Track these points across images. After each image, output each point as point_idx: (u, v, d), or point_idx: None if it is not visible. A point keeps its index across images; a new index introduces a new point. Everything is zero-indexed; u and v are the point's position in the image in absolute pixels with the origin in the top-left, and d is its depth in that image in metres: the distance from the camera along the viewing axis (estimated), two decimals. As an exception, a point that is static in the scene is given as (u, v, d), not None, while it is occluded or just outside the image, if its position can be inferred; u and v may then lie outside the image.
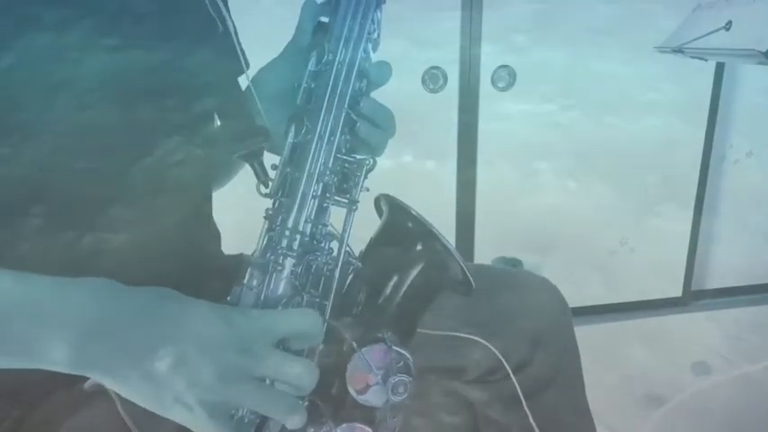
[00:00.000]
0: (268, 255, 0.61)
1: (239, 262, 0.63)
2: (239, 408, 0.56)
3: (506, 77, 1.88)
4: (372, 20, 0.66)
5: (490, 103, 1.88)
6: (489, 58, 1.85)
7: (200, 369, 0.52)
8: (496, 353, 0.79)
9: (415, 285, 0.63)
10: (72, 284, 0.53)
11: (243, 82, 0.76)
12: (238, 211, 0.88)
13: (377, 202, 0.69)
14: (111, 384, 0.53)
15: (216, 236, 0.87)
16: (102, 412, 0.54)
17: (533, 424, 0.82)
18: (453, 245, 1.93)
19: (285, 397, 0.56)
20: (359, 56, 0.64)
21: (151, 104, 0.67)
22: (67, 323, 0.51)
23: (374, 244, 0.66)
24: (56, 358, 0.51)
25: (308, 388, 0.56)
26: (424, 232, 0.64)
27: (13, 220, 0.62)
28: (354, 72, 0.64)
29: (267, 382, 0.55)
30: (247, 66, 0.81)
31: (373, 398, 0.57)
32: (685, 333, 2.06)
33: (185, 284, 0.65)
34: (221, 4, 0.74)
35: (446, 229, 1.90)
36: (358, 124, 0.65)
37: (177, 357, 0.51)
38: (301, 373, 0.55)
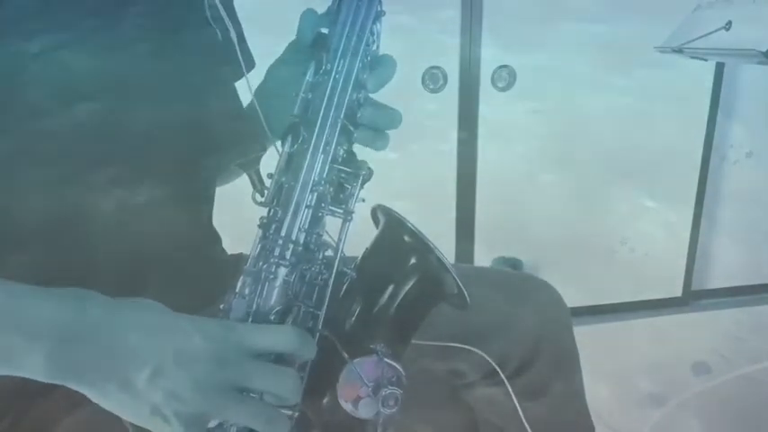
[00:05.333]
0: (261, 263, 0.61)
1: (239, 261, 0.64)
2: (217, 420, 0.57)
3: (506, 77, 1.88)
4: (371, 31, 0.66)
5: (490, 103, 1.88)
6: (489, 58, 1.85)
7: (178, 381, 0.52)
8: (492, 363, 0.79)
9: (409, 298, 0.63)
10: (52, 294, 0.53)
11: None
12: (239, 212, 0.88)
13: (374, 212, 0.69)
14: (89, 394, 0.53)
15: (216, 238, 0.87)
16: (100, 410, 0.54)
17: (527, 427, 0.82)
18: (453, 244, 1.93)
19: (264, 408, 0.56)
20: (356, 67, 0.64)
21: (145, 113, 0.67)
22: (45, 332, 0.51)
23: (369, 255, 0.66)
24: (33, 367, 0.51)
25: (290, 397, 0.56)
26: (420, 245, 0.63)
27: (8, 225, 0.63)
28: (352, 83, 0.63)
29: (258, 394, 0.56)
30: (252, 66, 0.81)
31: (364, 410, 0.57)
32: (685, 333, 2.06)
33: (187, 286, 0.66)
34: (222, 12, 0.74)
35: (446, 229, 1.93)
36: (359, 114, 0.65)
37: (155, 369, 0.52)
38: (281, 383, 0.56)
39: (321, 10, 0.68)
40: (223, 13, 0.74)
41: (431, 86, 1.84)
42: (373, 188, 0.66)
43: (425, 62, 1.82)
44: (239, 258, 0.82)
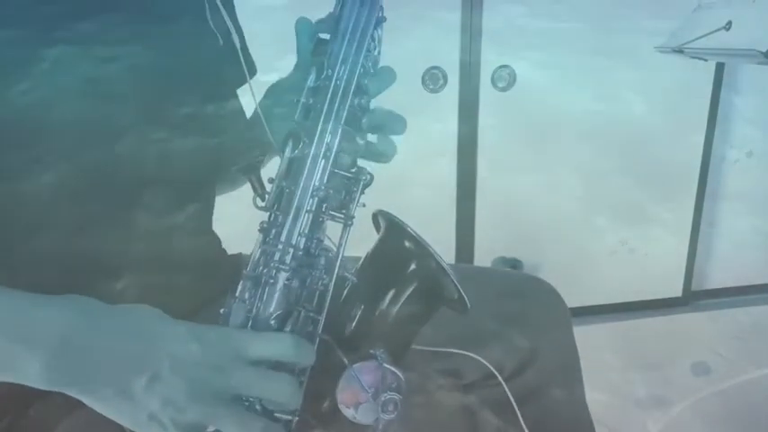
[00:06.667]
0: (261, 268, 0.61)
1: (239, 261, 0.64)
2: (214, 428, 0.57)
3: (506, 77, 1.88)
4: (372, 37, 0.66)
5: (490, 103, 1.88)
6: (489, 58, 1.85)
7: (175, 388, 0.53)
8: (490, 367, 0.79)
9: (409, 304, 0.63)
10: (49, 301, 0.54)
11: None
12: (241, 216, 0.89)
13: (374, 217, 0.69)
14: (87, 401, 0.53)
15: (216, 242, 0.88)
16: (98, 413, 0.54)
17: (525, 430, 0.82)
18: (453, 244, 1.92)
19: (258, 417, 0.56)
20: (357, 72, 0.64)
21: (145, 118, 0.67)
22: (43, 340, 0.52)
23: (369, 260, 0.66)
24: (31, 375, 0.52)
25: (289, 403, 0.57)
26: (420, 251, 0.64)
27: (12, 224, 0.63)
28: (353, 89, 0.63)
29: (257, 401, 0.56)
30: (254, 72, 0.81)
31: (363, 415, 0.57)
32: (685, 333, 2.07)
33: (186, 288, 0.66)
34: (225, 17, 0.74)
35: (446, 229, 1.93)
36: (364, 121, 0.65)
37: (152, 376, 0.53)
38: (278, 390, 0.56)
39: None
40: (226, 18, 0.74)
41: (431, 86, 1.84)
42: (373, 188, 0.66)
43: (425, 62, 1.82)
44: (239, 259, 0.82)
